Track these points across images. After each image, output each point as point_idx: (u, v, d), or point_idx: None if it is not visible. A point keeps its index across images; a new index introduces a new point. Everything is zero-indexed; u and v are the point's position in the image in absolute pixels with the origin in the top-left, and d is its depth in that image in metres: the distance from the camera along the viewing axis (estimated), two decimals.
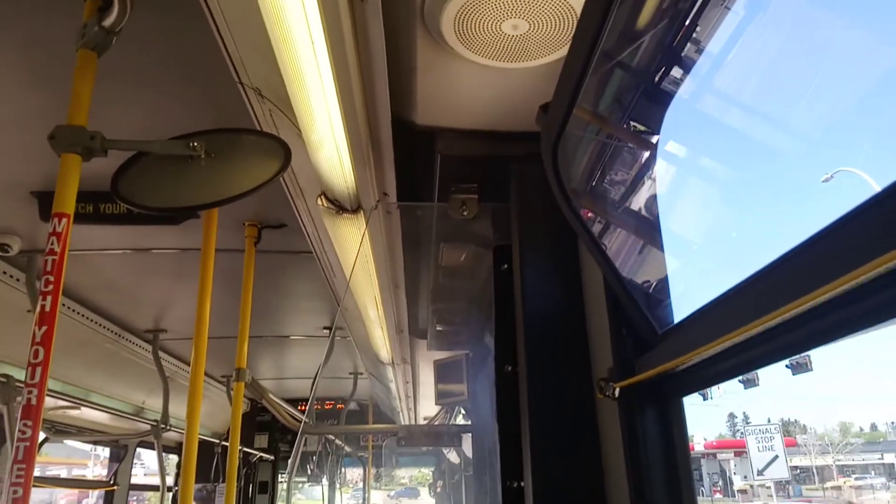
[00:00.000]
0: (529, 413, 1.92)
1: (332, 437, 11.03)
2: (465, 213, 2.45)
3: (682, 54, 1.77)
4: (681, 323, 1.48)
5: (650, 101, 1.87)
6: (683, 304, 1.56)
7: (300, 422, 6.86)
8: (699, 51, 1.75)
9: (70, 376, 5.31)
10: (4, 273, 3.98)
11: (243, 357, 3.95)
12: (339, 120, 1.98)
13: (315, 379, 6.04)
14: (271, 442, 10.40)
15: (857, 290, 0.88)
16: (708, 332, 1.27)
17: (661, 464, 1.57)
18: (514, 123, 2.19)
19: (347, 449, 12.80)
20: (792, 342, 1.14)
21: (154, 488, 8.16)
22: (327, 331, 6.19)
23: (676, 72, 1.82)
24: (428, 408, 8.55)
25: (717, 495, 37.71)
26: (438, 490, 18.64)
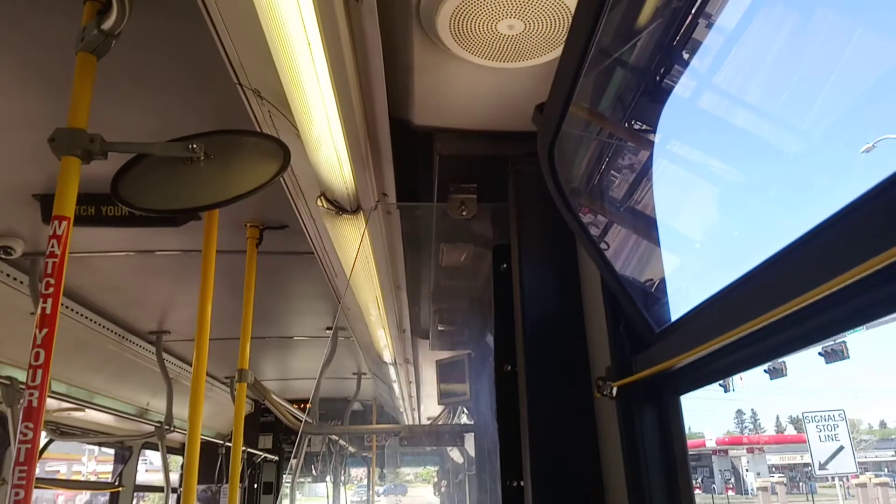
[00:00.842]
0: (528, 412, 1.92)
1: (335, 437, 11.04)
2: (464, 213, 2.46)
3: (681, 52, 1.77)
4: (677, 321, 1.49)
5: (648, 100, 1.87)
6: (681, 303, 1.56)
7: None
8: (698, 48, 1.75)
9: (74, 378, 5.34)
10: (8, 276, 4.00)
11: (246, 358, 3.97)
12: (336, 120, 1.98)
13: (318, 379, 6.03)
14: (275, 443, 10.41)
15: (855, 287, 0.88)
16: (705, 331, 1.27)
17: (659, 462, 1.57)
18: (511, 123, 2.19)
19: (351, 449, 12.81)
20: (790, 339, 1.14)
21: (159, 489, 8.19)
22: (330, 331, 6.20)
23: (675, 70, 1.82)
24: (431, 408, 8.55)
25: (730, 493, 37.34)
26: (442, 489, 18.65)
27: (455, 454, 11.11)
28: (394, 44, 1.83)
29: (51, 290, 1.81)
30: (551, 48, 1.80)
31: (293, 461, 9.51)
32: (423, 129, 2.25)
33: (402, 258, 3.33)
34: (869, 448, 42.70)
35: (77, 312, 4.88)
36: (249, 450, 9.60)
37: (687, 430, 1.63)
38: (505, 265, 2.30)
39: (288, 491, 9.76)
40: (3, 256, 3.75)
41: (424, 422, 9.37)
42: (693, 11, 1.69)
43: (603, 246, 1.83)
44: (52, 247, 1.84)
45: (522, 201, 2.21)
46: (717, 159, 2.02)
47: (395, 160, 2.36)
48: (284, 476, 10.49)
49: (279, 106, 2.10)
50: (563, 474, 1.85)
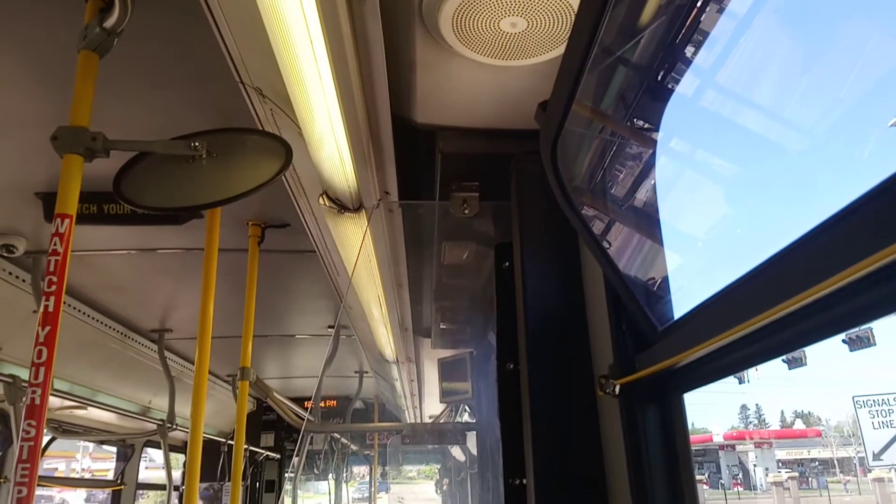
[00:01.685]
0: (531, 410, 1.92)
1: (337, 435, 11.05)
2: (467, 212, 2.45)
3: (684, 50, 1.77)
4: (680, 319, 1.48)
5: (651, 98, 1.86)
6: (683, 301, 1.56)
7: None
8: (701, 46, 1.75)
9: (77, 376, 5.35)
10: (10, 274, 4.01)
11: (248, 356, 3.97)
12: (339, 118, 1.98)
13: (320, 378, 6.04)
14: (277, 441, 10.44)
15: (859, 284, 0.88)
16: (708, 328, 1.26)
17: (662, 459, 1.57)
18: (514, 121, 2.19)
19: (353, 447, 12.83)
20: (793, 337, 1.14)
21: (161, 487, 8.20)
22: (332, 330, 6.21)
23: (678, 68, 1.81)
24: (433, 406, 8.55)
25: (738, 489, 37.02)
26: (444, 488, 18.67)
27: (457, 452, 11.11)
28: (396, 42, 1.83)
29: (53, 287, 1.82)
30: (554, 46, 1.80)
31: (295, 459, 9.53)
32: (425, 127, 2.25)
33: (404, 256, 3.33)
34: None
35: (79, 311, 4.89)
36: (251, 448, 9.62)
37: (691, 426, 1.62)
38: (507, 263, 2.30)
39: (290, 488, 9.78)
40: (5, 255, 3.76)
41: (426, 420, 9.37)
42: (696, 9, 1.68)
43: (605, 244, 1.83)
44: (55, 244, 1.84)
45: (525, 199, 2.20)
46: (719, 157, 2.02)
47: (397, 158, 2.35)
48: (286, 474, 10.52)
49: (281, 104, 2.10)
50: (566, 472, 1.85)
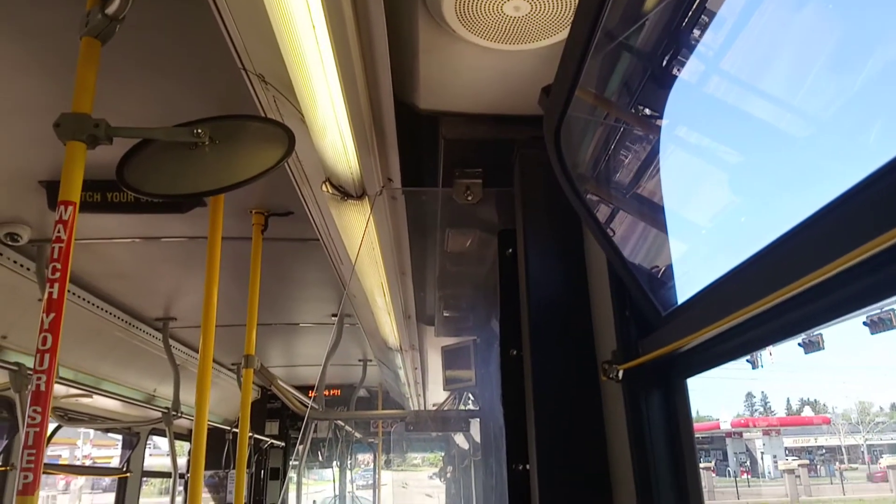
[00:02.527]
0: (534, 396, 1.93)
1: (341, 423, 11.10)
2: (470, 198, 2.45)
3: (689, 35, 1.76)
4: (684, 304, 1.48)
5: (655, 84, 1.85)
6: (686, 287, 1.56)
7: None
8: (706, 31, 1.74)
9: (82, 365, 5.37)
10: (15, 262, 4.02)
11: (252, 344, 3.98)
12: (341, 104, 1.97)
13: (323, 366, 6.05)
14: (282, 429, 10.50)
15: (863, 266, 0.87)
16: (711, 313, 1.26)
17: (666, 444, 1.57)
18: (517, 106, 2.18)
19: (357, 435, 12.89)
20: (796, 320, 1.14)
21: (166, 475, 8.25)
22: (335, 318, 6.22)
23: (683, 53, 1.80)
24: (437, 394, 8.58)
25: (746, 476, 36.87)
26: (448, 475, 18.76)
27: (461, 440, 11.16)
28: (398, 27, 1.82)
29: (57, 274, 1.82)
30: (557, 30, 1.78)
31: (299, 447, 9.58)
32: (428, 113, 2.24)
33: (407, 244, 3.33)
34: (886, 430, 42.25)
35: (84, 299, 4.90)
36: (256, 436, 9.68)
37: (695, 413, 1.63)
38: (511, 250, 2.29)
39: (294, 475, 9.84)
40: (9, 243, 3.77)
41: (430, 408, 9.40)
42: None
43: (609, 231, 1.82)
44: (59, 232, 1.84)
45: (528, 186, 2.20)
46: (724, 144, 2.01)
47: (400, 145, 2.35)
48: (291, 462, 10.58)
49: (284, 91, 2.09)
50: (569, 457, 1.86)
